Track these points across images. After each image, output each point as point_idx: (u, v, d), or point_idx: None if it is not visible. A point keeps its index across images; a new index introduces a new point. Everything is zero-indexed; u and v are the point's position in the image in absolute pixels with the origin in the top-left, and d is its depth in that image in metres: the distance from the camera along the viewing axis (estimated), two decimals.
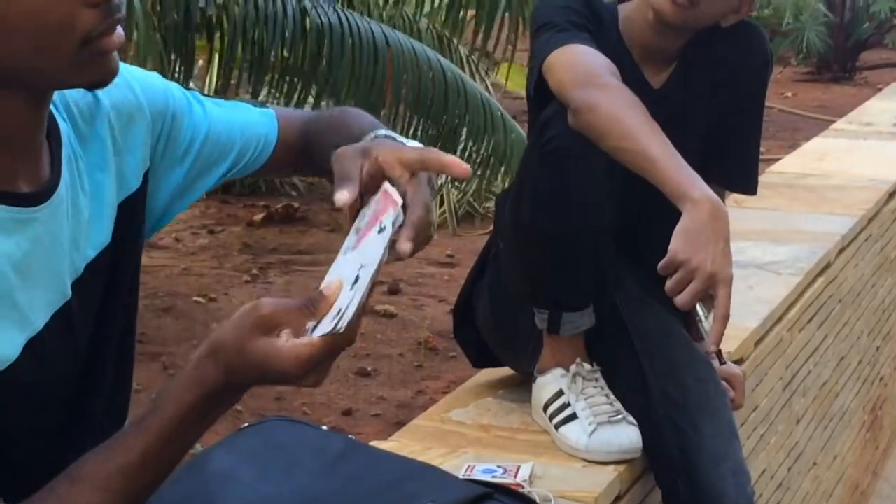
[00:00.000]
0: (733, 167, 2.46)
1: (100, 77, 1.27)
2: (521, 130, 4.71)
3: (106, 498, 1.22)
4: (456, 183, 5.96)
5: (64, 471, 1.24)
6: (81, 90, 1.38)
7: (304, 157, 1.62)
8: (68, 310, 1.34)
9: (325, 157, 1.40)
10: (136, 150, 1.45)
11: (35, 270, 1.29)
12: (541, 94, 2.23)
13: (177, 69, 4.45)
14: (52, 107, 1.34)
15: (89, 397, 1.39)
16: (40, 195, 1.30)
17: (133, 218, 1.45)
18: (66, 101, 1.39)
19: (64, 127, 1.37)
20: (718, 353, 2.22)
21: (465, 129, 4.74)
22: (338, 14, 4.54)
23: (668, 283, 1.95)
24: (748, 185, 2.49)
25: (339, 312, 1.20)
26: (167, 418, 1.23)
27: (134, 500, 1.25)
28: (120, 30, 1.26)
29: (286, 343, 1.19)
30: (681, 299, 1.94)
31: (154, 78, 1.52)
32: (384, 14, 5.09)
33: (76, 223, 1.36)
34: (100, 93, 1.41)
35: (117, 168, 1.42)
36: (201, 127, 1.54)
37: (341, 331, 1.19)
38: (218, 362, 1.22)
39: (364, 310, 1.23)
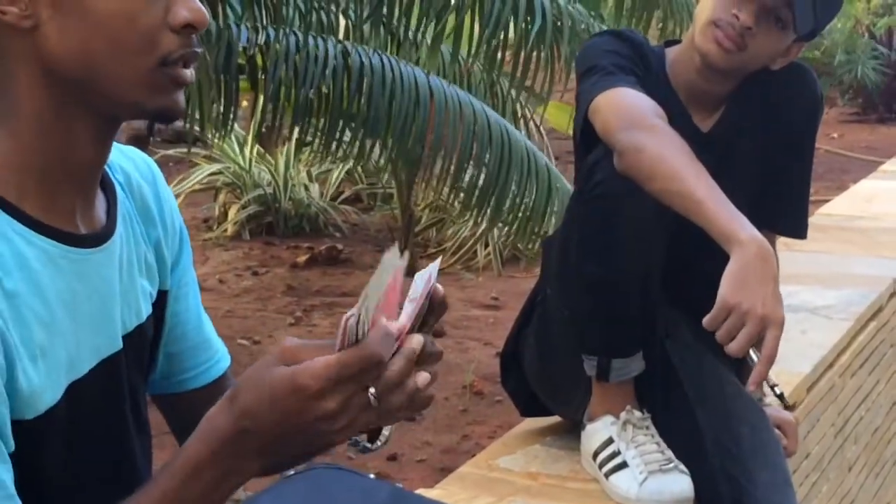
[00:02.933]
0: (783, 211, 2.45)
1: (169, 105, 1.28)
2: (566, 181, 4.72)
3: None
4: (500, 224, 5.97)
5: None
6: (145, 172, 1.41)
7: None
8: (118, 360, 1.34)
9: None
10: (168, 257, 1.46)
11: (84, 313, 1.29)
12: (587, 138, 2.23)
13: (221, 111, 4.49)
14: (107, 166, 1.34)
15: (127, 445, 1.39)
16: (96, 238, 1.32)
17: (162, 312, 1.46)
18: (127, 174, 1.41)
19: (119, 189, 1.38)
20: (782, 396, 2.18)
21: (509, 176, 4.74)
22: (380, 57, 4.57)
23: (720, 332, 1.92)
24: (798, 230, 2.48)
25: (344, 329, 1.17)
26: (174, 472, 1.21)
27: None
28: (192, 70, 1.28)
29: (301, 364, 1.16)
30: (734, 345, 1.92)
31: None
32: (443, 63, 5.12)
33: (129, 279, 1.37)
34: (155, 192, 1.44)
35: (156, 255, 1.44)
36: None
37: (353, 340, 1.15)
38: (232, 408, 1.19)
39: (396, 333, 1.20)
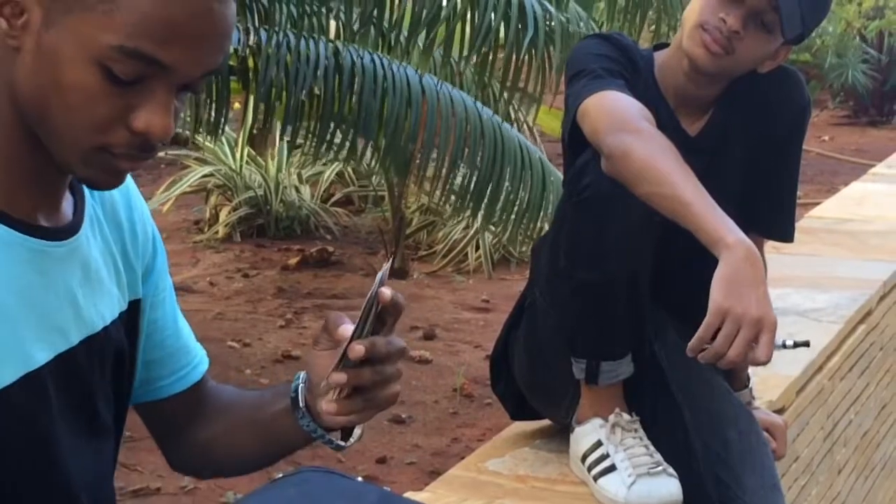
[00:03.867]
0: (770, 215, 2.45)
1: (97, 180, 1.28)
2: (559, 174, 4.73)
3: None
4: (491, 227, 5.98)
5: None
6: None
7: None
8: (74, 357, 1.34)
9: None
10: (138, 267, 1.47)
11: (40, 305, 1.29)
12: (575, 141, 2.23)
13: (211, 113, 4.49)
14: None
15: (75, 443, 1.37)
16: (58, 233, 1.32)
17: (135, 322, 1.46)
18: None
19: (88, 196, 1.39)
20: (796, 344, 2.17)
21: (503, 177, 4.75)
22: (371, 57, 4.57)
23: (718, 340, 1.91)
24: (786, 233, 2.49)
25: None
26: None
27: None
28: (138, 164, 1.28)
29: None
30: (733, 352, 1.91)
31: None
32: (432, 60, 5.12)
33: (93, 279, 1.37)
34: (127, 202, 1.45)
35: (125, 264, 1.44)
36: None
37: None
38: None
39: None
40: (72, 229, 1.34)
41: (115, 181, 1.29)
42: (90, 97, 1.22)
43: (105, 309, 1.38)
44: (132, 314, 1.44)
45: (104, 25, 1.19)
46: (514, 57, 4.43)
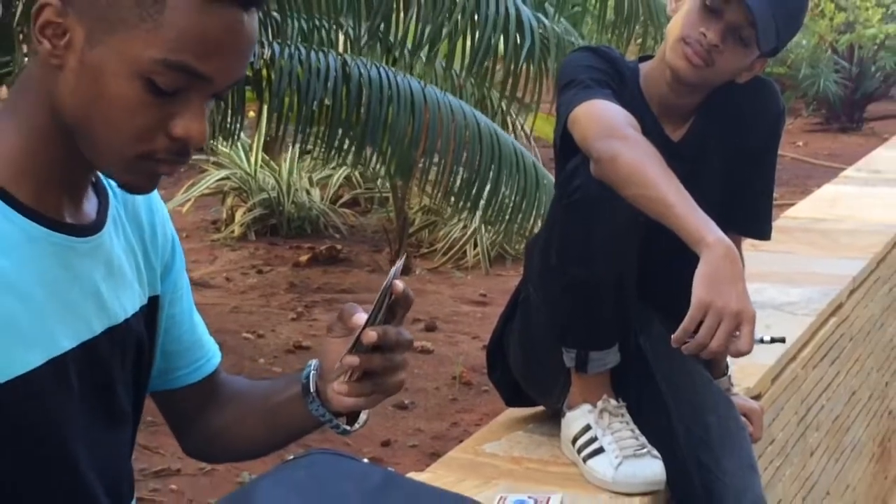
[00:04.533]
0: (749, 215, 2.45)
1: (135, 184, 1.29)
2: (551, 176, 4.73)
3: None
4: (488, 226, 5.98)
5: None
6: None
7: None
8: (96, 346, 1.34)
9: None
10: (157, 265, 1.47)
11: (64, 297, 1.30)
12: (566, 146, 2.23)
13: (228, 121, 4.49)
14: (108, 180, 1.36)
15: (95, 428, 1.37)
16: (82, 230, 1.32)
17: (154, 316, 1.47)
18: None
19: (111, 196, 1.39)
20: (773, 339, 2.17)
21: (500, 179, 4.75)
22: (378, 69, 4.57)
23: (701, 332, 1.91)
24: (763, 232, 2.49)
25: None
26: None
27: None
28: (176, 168, 1.29)
29: None
30: (715, 342, 1.91)
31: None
32: (434, 72, 5.12)
33: (116, 274, 1.37)
34: (148, 206, 1.45)
35: (145, 262, 1.44)
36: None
37: None
38: None
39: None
40: (96, 227, 1.34)
41: (152, 185, 1.30)
42: (132, 108, 1.22)
43: (127, 302, 1.39)
44: (151, 309, 1.44)
45: (148, 41, 1.20)
46: (512, 67, 4.44)
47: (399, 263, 1.36)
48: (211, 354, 1.57)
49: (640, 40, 5.24)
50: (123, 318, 1.38)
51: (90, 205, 1.35)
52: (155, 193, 1.47)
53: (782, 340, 2.26)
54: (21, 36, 4.45)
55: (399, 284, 1.34)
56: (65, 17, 1.22)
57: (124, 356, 1.39)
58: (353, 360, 1.34)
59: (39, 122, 1.27)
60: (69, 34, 1.22)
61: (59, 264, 1.29)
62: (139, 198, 1.43)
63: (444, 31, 4.31)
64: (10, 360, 1.24)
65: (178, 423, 1.59)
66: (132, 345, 1.40)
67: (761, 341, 2.12)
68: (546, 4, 4.86)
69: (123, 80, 1.21)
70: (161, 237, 1.47)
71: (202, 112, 1.25)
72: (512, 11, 4.36)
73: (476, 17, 4.29)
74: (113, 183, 1.39)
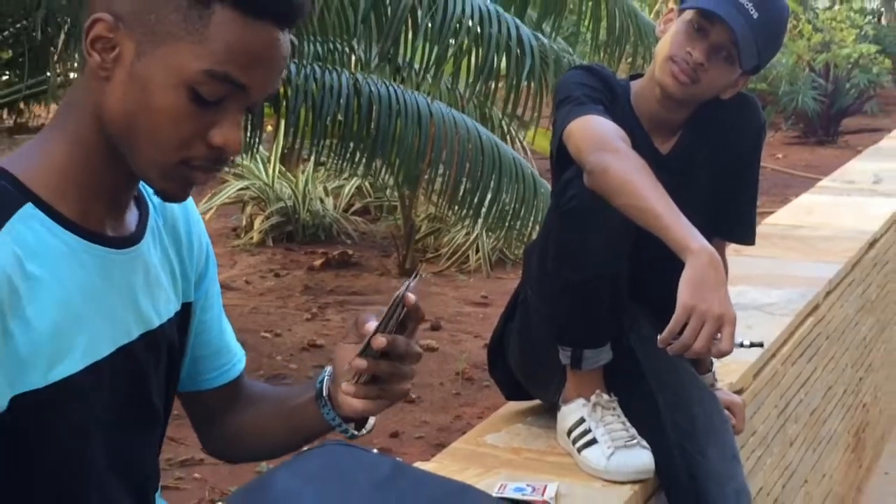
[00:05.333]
0: (734, 222, 2.45)
1: (172, 192, 1.29)
2: (548, 186, 4.73)
3: None
4: (489, 232, 5.98)
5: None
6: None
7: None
8: (133, 350, 1.34)
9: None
10: (192, 274, 1.47)
11: (104, 305, 1.29)
12: (562, 158, 2.23)
13: (248, 135, 4.49)
14: (142, 187, 1.35)
15: (132, 427, 1.37)
16: (122, 241, 1.32)
17: (187, 321, 1.46)
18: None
19: (151, 208, 1.39)
20: (752, 344, 2.17)
21: (499, 185, 4.75)
22: (387, 86, 4.57)
23: (686, 333, 1.91)
24: (748, 237, 2.49)
25: None
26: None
27: None
28: (211, 176, 1.29)
29: None
30: (699, 343, 1.91)
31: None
32: (437, 89, 5.12)
33: (153, 283, 1.37)
34: (185, 217, 1.45)
35: (181, 271, 1.44)
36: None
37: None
38: None
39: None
40: (135, 238, 1.34)
41: (185, 194, 1.30)
42: (176, 117, 1.23)
43: (162, 308, 1.39)
44: (184, 315, 1.44)
45: (194, 53, 1.21)
46: (514, 83, 4.44)
47: (414, 277, 1.36)
48: (237, 360, 1.57)
49: (630, 59, 5.24)
50: (158, 323, 1.37)
51: (131, 217, 1.35)
52: (193, 207, 1.47)
53: (761, 345, 2.26)
54: (55, 57, 4.45)
55: (411, 297, 1.33)
56: (115, 31, 1.22)
57: (158, 360, 1.39)
58: (362, 363, 1.34)
59: (86, 136, 1.27)
60: (119, 48, 1.22)
61: (100, 274, 1.29)
62: (178, 210, 1.43)
63: (450, 51, 4.30)
64: (51, 366, 1.23)
65: (200, 423, 1.59)
66: (165, 349, 1.40)
67: (741, 345, 2.12)
68: (543, 25, 4.86)
69: (170, 90, 1.22)
70: (196, 247, 1.47)
71: (238, 123, 1.26)
72: (514, 32, 4.36)
73: (480, 37, 4.29)
74: (155, 199, 1.39)
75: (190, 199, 1.46)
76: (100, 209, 1.29)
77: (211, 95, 1.22)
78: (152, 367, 1.38)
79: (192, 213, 1.47)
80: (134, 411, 1.36)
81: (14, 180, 1.24)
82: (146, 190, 1.38)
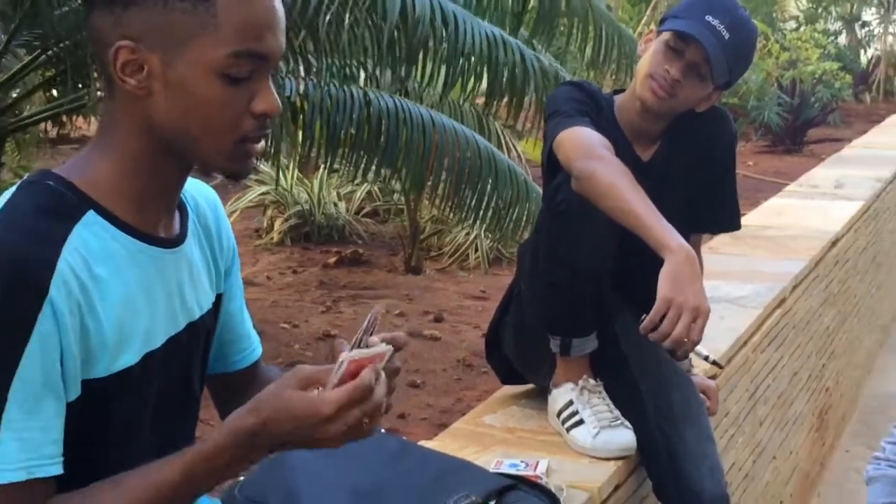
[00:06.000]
0: (721, 214, 2.46)
1: (240, 169, 1.29)
2: (540, 190, 4.72)
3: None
4: (487, 233, 5.98)
5: (113, 476, 1.22)
6: (210, 202, 1.43)
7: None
8: (181, 339, 1.35)
9: None
10: (222, 268, 1.47)
11: (158, 299, 1.30)
12: (552, 165, 2.23)
13: (269, 144, 4.49)
14: (183, 194, 1.36)
15: (177, 408, 1.38)
16: (171, 242, 1.33)
17: (218, 310, 1.46)
18: (197, 202, 1.42)
19: (190, 212, 1.40)
20: (715, 362, 2.18)
21: (494, 193, 4.76)
22: (394, 101, 4.57)
23: (665, 323, 1.91)
24: (733, 225, 2.50)
25: (339, 365, 1.20)
26: (201, 454, 1.21)
27: None
28: (261, 143, 1.29)
29: (317, 393, 1.19)
30: (676, 332, 1.91)
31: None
32: (437, 101, 5.13)
33: (195, 278, 1.38)
34: (216, 218, 1.44)
35: (214, 266, 1.44)
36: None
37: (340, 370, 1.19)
38: (258, 414, 1.20)
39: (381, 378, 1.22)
40: (181, 239, 1.35)
41: (250, 167, 1.30)
42: (220, 103, 1.23)
43: (202, 300, 1.39)
44: (217, 305, 1.44)
45: (214, 43, 1.21)
46: (514, 102, 4.44)
47: (377, 309, 1.29)
48: (255, 345, 1.57)
49: (614, 76, 5.24)
50: (199, 314, 1.38)
51: (176, 219, 1.35)
52: (222, 209, 1.47)
53: (721, 367, 2.28)
54: (94, 74, 4.45)
55: (401, 337, 1.28)
56: (138, 52, 1.22)
57: (198, 346, 1.40)
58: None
59: (134, 149, 1.26)
60: (146, 65, 1.22)
61: (154, 272, 1.29)
62: (209, 211, 1.44)
63: (458, 72, 4.31)
64: (115, 357, 1.24)
65: (224, 402, 1.59)
66: (204, 336, 1.41)
67: (706, 358, 2.12)
68: (533, 41, 4.86)
69: (206, 83, 1.22)
70: (226, 244, 1.47)
71: (270, 87, 1.26)
72: (517, 55, 4.36)
73: (488, 61, 4.29)
74: (189, 199, 1.40)
75: (218, 201, 1.47)
76: (150, 213, 1.30)
77: (241, 73, 1.23)
78: (194, 354, 1.39)
79: (221, 213, 1.47)
80: (177, 393, 1.36)
81: (74, 189, 1.25)
82: (185, 197, 1.39)
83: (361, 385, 1.18)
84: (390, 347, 1.25)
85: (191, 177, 1.36)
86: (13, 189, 1.25)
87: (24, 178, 1.27)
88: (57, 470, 1.19)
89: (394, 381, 1.28)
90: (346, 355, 1.21)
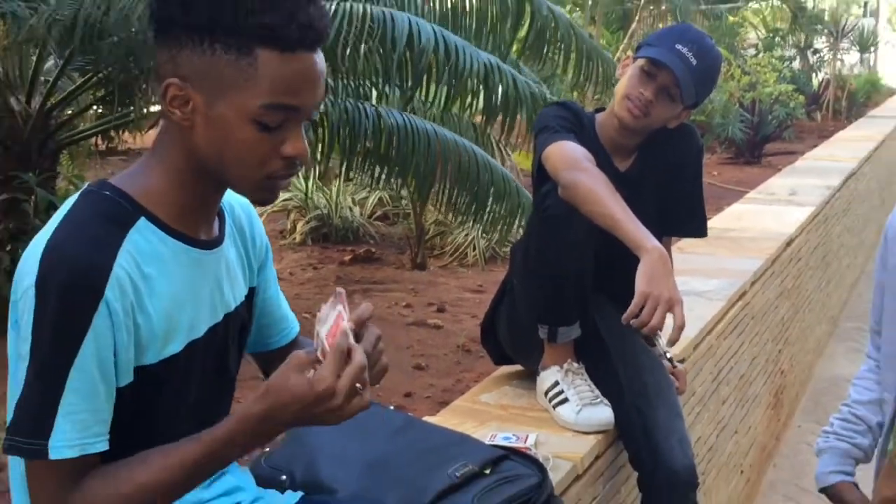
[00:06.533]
0: (688, 222, 2.45)
1: (264, 199, 1.29)
2: (530, 197, 4.72)
3: (159, 479, 1.20)
4: (484, 234, 5.97)
5: (142, 451, 1.22)
6: (245, 208, 1.44)
7: None
8: (220, 329, 1.35)
9: None
10: (255, 265, 1.46)
11: (200, 294, 1.30)
12: (541, 175, 2.23)
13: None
14: (223, 203, 1.36)
15: (216, 389, 1.38)
16: (210, 244, 1.33)
17: (251, 302, 1.46)
18: (233, 208, 1.42)
19: (227, 217, 1.40)
20: (671, 360, 2.19)
21: (490, 198, 4.75)
22: (402, 117, 4.57)
23: (644, 314, 1.91)
24: (700, 231, 2.48)
25: (316, 346, 1.20)
26: (218, 437, 1.21)
27: (177, 487, 1.22)
28: (288, 181, 1.28)
29: (312, 374, 1.18)
30: (654, 321, 1.91)
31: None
32: (437, 115, 5.12)
33: (231, 275, 1.38)
34: (249, 221, 1.44)
35: (248, 264, 1.44)
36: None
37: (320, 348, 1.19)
38: (266, 400, 1.19)
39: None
40: (219, 241, 1.35)
41: (275, 197, 1.30)
42: (252, 145, 1.22)
43: (237, 294, 1.39)
44: (250, 297, 1.44)
45: (251, 93, 1.20)
46: (508, 121, 4.44)
47: (339, 290, 1.28)
48: (292, 325, 1.57)
49: (597, 97, 5.24)
50: (234, 306, 1.38)
51: (215, 224, 1.36)
52: (255, 213, 1.47)
53: (675, 366, 2.29)
54: (139, 93, 4.45)
55: (364, 309, 1.26)
56: (185, 89, 1.22)
57: (233, 334, 1.40)
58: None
59: (180, 165, 1.26)
60: (191, 101, 1.22)
61: (196, 271, 1.30)
62: (244, 216, 1.44)
63: (458, 91, 4.31)
64: (163, 346, 1.25)
65: (268, 374, 1.60)
66: (238, 325, 1.41)
67: (666, 354, 2.13)
68: (519, 63, 4.86)
69: (241, 127, 1.21)
70: (259, 243, 1.46)
71: (301, 134, 1.25)
72: (510, 81, 4.36)
73: (485, 83, 4.29)
74: (227, 206, 1.40)
75: (252, 208, 1.47)
76: (192, 220, 1.30)
77: (273, 122, 1.22)
78: (230, 341, 1.39)
79: (255, 217, 1.47)
80: (215, 375, 1.36)
81: (128, 198, 1.25)
82: (223, 204, 1.39)
83: (339, 350, 1.18)
84: (340, 308, 1.23)
85: None
86: (76, 196, 1.26)
87: (85, 186, 1.28)
88: (103, 446, 1.20)
89: (380, 345, 1.26)
90: (318, 332, 1.20)
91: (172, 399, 1.29)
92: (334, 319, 1.23)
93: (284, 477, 1.65)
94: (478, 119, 5.07)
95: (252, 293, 1.45)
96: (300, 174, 6.98)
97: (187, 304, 1.27)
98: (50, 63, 5.11)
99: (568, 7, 12.33)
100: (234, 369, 1.43)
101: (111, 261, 1.19)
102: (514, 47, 4.75)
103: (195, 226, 1.30)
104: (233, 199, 1.43)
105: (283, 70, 1.20)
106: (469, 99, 4.39)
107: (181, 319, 1.27)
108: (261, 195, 1.28)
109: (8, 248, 4.66)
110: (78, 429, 1.18)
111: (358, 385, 1.18)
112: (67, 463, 1.17)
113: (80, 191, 1.27)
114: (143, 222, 1.24)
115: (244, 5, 1.18)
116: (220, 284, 1.34)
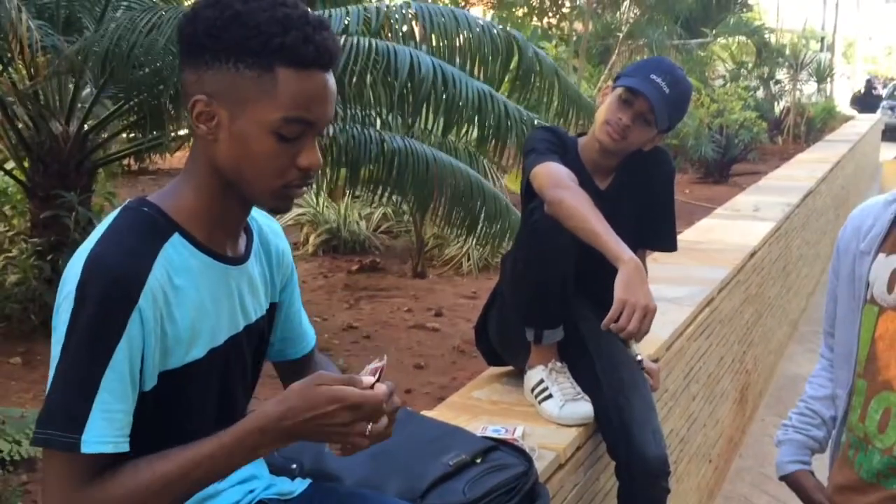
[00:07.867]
0: (661, 237, 2.45)
1: (281, 207, 1.28)
2: (518, 213, 4.73)
3: (177, 473, 1.18)
4: (477, 246, 5.98)
5: (166, 449, 1.20)
6: (273, 230, 1.42)
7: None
8: (240, 339, 1.34)
9: None
10: (278, 283, 1.45)
11: (223, 306, 1.30)
12: (528, 193, 2.24)
13: None
14: (250, 220, 1.35)
15: (235, 394, 1.37)
16: (236, 260, 1.32)
17: (272, 316, 1.45)
18: (261, 228, 1.41)
19: (255, 236, 1.39)
20: (640, 362, 2.21)
21: (482, 215, 4.76)
22: (404, 141, 4.58)
23: (622, 320, 1.92)
24: (671, 246, 2.47)
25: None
26: (235, 436, 1.19)
27: (194, 482, 1.20)
28: (304, 190, 1.28)
29: (342, 386, 1.18)
30: (631, 326, 1.92)
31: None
32: (438, 141, 5.13)
33: (253, 289, 1.37)
34: (276, 242, 1.43)
35: (271, 281, 1.43)
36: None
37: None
38: (283, 405, 1.18)
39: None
40: (245, 258, 1.34)
41: (290, 206, 1.29)
42: (271, 156, 1.22)
43: (259, 308, 1.38)
44: (270, 312, 1.43)
45: (271, 108, 1.20)
46: (498, 143, 4.45)
47: (381, 361, 1.27)
48: (311, 339, 1.56)
49: (581, 122, 5.25)
50: (255, 318, 1.37)
51: (242, 241, 1.35)
52: (282, 234, 1.46)
53: (643, 368, 2.31)
54: (168, 118, 4.46)
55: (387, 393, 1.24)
56: (210, 105, 1.21)
57: (252, 345, 1.39)
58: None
59: (208, 182, 1.26)
60: (217, 117, 1.22)
61: (222, 284, 1.29)
62: (272, 237, 1.42)
63: (455, 119, 4.31)
64: (187, 352, 1.24)
65: (287, 382, 1.58)
66: (257, 337, 1.40)
67: (639, 360, 2.13)
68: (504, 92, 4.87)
69: (261, 139, 1.21)
70: (284, 263, 1.45)
71: (315, 147, 1.25)
72: (502, 108, 4.37)
73: (479, 111, 4.29)
74: (255, 226, 1.39)
75: (280, 231, 1.45)
76: (221, 236, 1.29)
77: (291, 134, 1.21)
78: (249, 351, 1.38)
79: (282, 240, 1.46)
80: (235, 380, 1.35)
81: (164, 214, 1.25)
82: (252, 222, 1.38)
83: (363, 380, 1.19)
84: (384, 361, 1.25)
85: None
86: (117, 211, 1.26)
87: (126, 202, 1.27)
88: (127, 448, 1.18)
89: (394, 415, 1.26)
90: (368, 368, 1.22)
91: (192, 403, 1.28)
92: (370, 371, 1.24)
93: (294, 465, 1.64)
94: (472, 145, 5.08)
95: (274, 308, 1.44)
96: (311, 191, 6.99)
97: (210, 314, 1.27)
98: (87, 91, 5.11)
99: (554, 42, 12.36)
100: (252, 378, 1.42)
101: (146, 272, 1.19)
102: (504, 87, 4.76)
103: (222, 242, 1.29)
104: (262, 221, 1.42)
105: (300, 86, 1.20)
106: (465, 127, 4.40)
107: (204, 328, 1.26)
108: (277, 203, 1.27)
109: (49, 257, 4.67)
110: (111, 426, 1.16)
111: (369, 424, 1.18)
112: (100, 458, 1.16)
113: (121, 206, 1.26)
114: (176, 237, 1.24)
115: (266, 31, 1.19)
116: (243, 298, 1.33)
